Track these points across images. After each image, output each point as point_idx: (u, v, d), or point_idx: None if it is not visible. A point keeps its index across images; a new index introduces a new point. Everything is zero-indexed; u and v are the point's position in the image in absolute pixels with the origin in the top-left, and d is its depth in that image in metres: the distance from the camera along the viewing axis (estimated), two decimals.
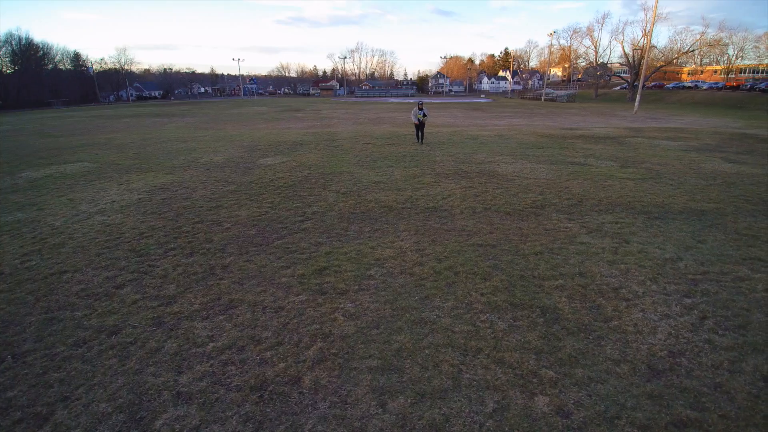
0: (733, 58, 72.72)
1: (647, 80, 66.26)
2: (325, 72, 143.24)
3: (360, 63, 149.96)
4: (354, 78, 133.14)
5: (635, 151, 14.68)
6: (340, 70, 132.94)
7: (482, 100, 72.60)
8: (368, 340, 3.90)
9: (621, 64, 75.01)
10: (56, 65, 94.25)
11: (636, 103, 40.13)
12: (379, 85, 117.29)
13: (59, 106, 75.30)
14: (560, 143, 16.56)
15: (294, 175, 10.77)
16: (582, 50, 79.18)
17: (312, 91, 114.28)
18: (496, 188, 9.22)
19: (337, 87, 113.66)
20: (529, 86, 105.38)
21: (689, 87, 65.81)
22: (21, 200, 9.25)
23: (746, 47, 70.59)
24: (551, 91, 75.54)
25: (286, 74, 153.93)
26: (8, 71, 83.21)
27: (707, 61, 77.16)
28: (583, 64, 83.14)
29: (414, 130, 16.93)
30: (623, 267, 5.32)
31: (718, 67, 76.47)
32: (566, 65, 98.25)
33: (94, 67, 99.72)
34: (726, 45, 67.65)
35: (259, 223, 7.06)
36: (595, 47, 74.84)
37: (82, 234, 6.90)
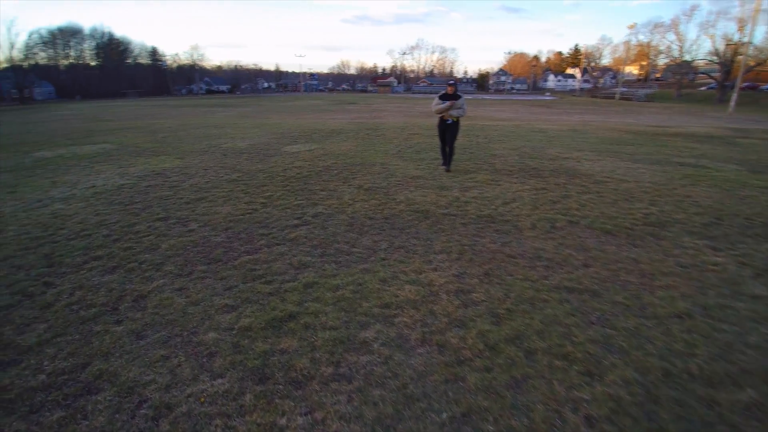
0: None
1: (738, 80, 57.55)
2: (384, 69, 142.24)
3: (420, 60, 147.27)
4: (413, 75, 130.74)
5: (757, 154, 11.06)
6: (399, 67, 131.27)
7: (547, 98, 67.27)
8: None
9: (709, 62, 65.91)
10: (135, 59, 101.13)
11: (732, 103, 34.25)
12: (437, 82, 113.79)
13: (133, 97, 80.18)
14: (654, 140, 13.15)
15: (314, 165, 8.67)
16: (664, 46, 70.70)
17: (370, 88, 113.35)
18: (583, 192, 6.50)
19: (395, 83, 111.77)
20: (600, 84, 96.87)
21: None
22: (5, 180, 7.98)
23: None
24: (627, 89, 68.32)
25: (346, 71, 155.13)
26: (92, 64, 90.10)
27: None
28: (665, 61, 74.27)
29: (438, 138, 8.39)
30: None
31: None
32: (643, 63, 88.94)
33: (168, 62, 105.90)
34: None
35: (235, 226, 4.98)
36: (680, 42, 66.31)
37: (19, 226, 5.22)
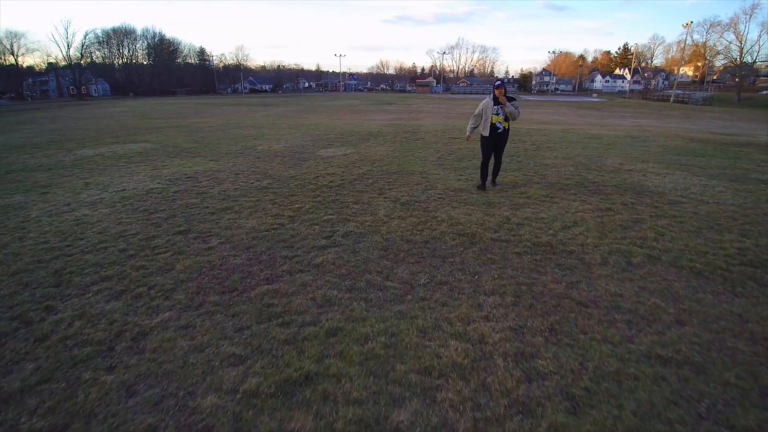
0: None
1: None
2: (423, 69, 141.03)
3: (459, 60, 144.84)
4: (452, 75, 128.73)
5: None
6: (438, 67, 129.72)
7: (594, 99, 63.97)
8: None
9: None
10: (184, 59, 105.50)
11: None
12: (477, 83, 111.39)
13: (181, 95, 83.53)
14: (724, 150, 11.71)
15: (349, 172, 8.14)
16: (722, 46, 65.47)
17: (408, 88, 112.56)
18: (657, 215, 5.56)
19: (434, 83, 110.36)
20: (652, 86, 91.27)
21: None
22: (42, 180, 8.00)
23: None
24: (682, 91, 63.82)
25: (385, 71, 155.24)
26: (144, 63, 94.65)
27: None
28: (723, 62, 68.74)
29: (481, 152, 6.79)
30: None
31: None
32: (699, 64, 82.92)
33: (214, 62, 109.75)
34: None
35: (258, 245, 4.50)
36: (740, 43, 61.07)
37: (39, 234, 5.00)
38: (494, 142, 6.62)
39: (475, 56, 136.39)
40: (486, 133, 6.54)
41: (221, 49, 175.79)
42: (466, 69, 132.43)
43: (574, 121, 22.63)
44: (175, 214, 5.67)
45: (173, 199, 6.45)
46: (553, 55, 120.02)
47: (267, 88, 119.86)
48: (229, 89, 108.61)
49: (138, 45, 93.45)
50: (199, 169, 8.70)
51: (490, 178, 7.02)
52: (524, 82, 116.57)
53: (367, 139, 13.01)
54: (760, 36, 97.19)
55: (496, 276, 3.77)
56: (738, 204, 6.27)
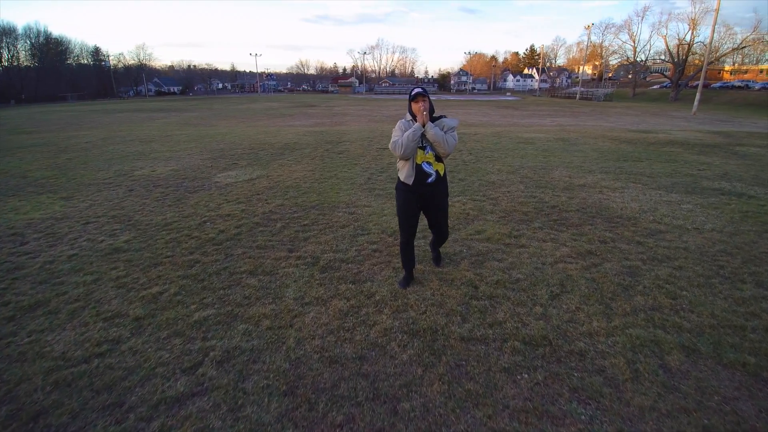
0: None
1: (691, 79, 59.47)
2: (345, 69, 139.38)
3: (380, 60, 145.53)
4: (374, 75, 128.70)
5: None
6: (359, 67, 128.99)
7: (510, 98, 66.95)
8: None
9: (663, 61, 67.79)
10: (76, 60, 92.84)
11: (696, 103, 34.39)
12: (399, 83, 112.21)
13: (72, 101, 73.25)
14: (656, 152, 11.49)
15: (251, 211, 6.11)
16: (617, 46, 72.32)
17: (330, 88, 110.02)
18: (648, 259, 4.35)
19: (356, 84, 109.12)
20: (557, 84, 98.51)
21: (739, 87, 59.33)
22: None
23: None
24: (586, 89, 69.26)
25: (306, 71, 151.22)
26: (27, 65, 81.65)
27: (748, 60, 69.19)
28: (617, 60, 76.11)
29: (399, 219, 3.64)
30: None
31: (765, 67, 68.88)
32: (597, 63, 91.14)
33: (111, 63, 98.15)
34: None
35: (56, 406, 2.43)
36: (634, 42, 67.85)
37: None
38: (422, 203, 3.53)
39: (396, 57, 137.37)
40: (408, 180, 3.41)
41: (120, 48, 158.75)
42: (388, 69, 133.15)
43: (499, 122, 22.36)
44: None
45: None
46: (468, 55, 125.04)
47: (176, 90, 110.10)
48: (131, 92, 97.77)
49: (20, 45, 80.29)
50: (35, 218, 6.11)
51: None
52: (443, 82, 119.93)
53: (281, 154, 10.94)
54: (651, 36, 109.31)
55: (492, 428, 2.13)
56: (718, 229, 5.35)
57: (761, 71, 69.46)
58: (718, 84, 62.15)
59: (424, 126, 3.30)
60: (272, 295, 3.64)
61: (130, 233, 5.27)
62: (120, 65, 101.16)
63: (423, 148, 3.38)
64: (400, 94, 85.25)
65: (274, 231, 5.20)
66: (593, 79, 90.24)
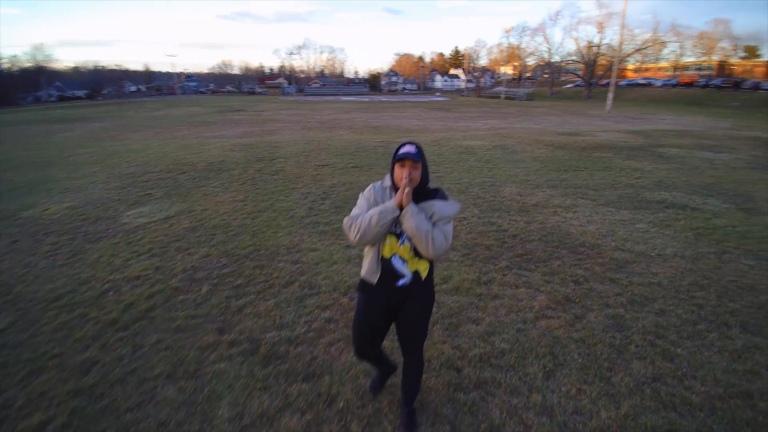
0: (678, 55, 73.39)
1: (600, 78, 65.15)
2: (272, 69, 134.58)
3: (309, 60, 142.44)
4: (303, 76, 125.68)
5: (698, 172, 10.22)
6: (287, 68, 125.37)
7: (440, 99, 68.46)
8: None
9: (575, 62, 73.48)
10: None
11: (609, 102, 37.44)
12: (330, 83, 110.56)
13: None
14: (590, 160, 11.84)
15: (167, 268, 4.97)
16: (533, 48, 77.37)
17: (258, 89, 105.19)
18: (628, 303, 4.02)
19: (285, 85, 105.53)
20: (482, 84, 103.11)
21: (642, 84, 65.84)
22: None
23: (685, 45, 71.12)
24: (509, 89, 73.01)
25: (229, 71, 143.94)
26: None
27: (648, 59, 77.45)
28: (534, 61, 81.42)
29: (359, 339, 2.52)
30: None
31: (664, 65, 77.36)
32: (516, 63, 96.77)
33: (3, 66, 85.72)
34: (665, 44, 67.24)
35: None
36: (548, 44, 72.95)
37: None
38: (387, 312, 2.40)
39: (324, 56, 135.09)
40: (370, 277, 2.34)
41: (13, 50, 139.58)
42: (317, 69, 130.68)
43: (435, 127, 22.31)
44: None
45: None
46: (397, 56, 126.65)
47: (81, 94, 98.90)
48: (30, 98, 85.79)
49: None
50: None
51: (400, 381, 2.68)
52: (374, 82, 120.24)
53: (205, 178, 9.62)
54: (563, 38, 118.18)
55: None
56: (680, 254, 5.25)
57: (660, 69, 77.31)
58: (625, 82, 68.34)
59: (402, 209, 2.16)
60: (199, 417, 2.70)
61: (8, 316, 3.94)
62: (15, 68, 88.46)
63: (397, 235, 2.25)
64: (332, 95, 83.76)
65: (198, 300, 4.17)
66: (514, 79, 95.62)
